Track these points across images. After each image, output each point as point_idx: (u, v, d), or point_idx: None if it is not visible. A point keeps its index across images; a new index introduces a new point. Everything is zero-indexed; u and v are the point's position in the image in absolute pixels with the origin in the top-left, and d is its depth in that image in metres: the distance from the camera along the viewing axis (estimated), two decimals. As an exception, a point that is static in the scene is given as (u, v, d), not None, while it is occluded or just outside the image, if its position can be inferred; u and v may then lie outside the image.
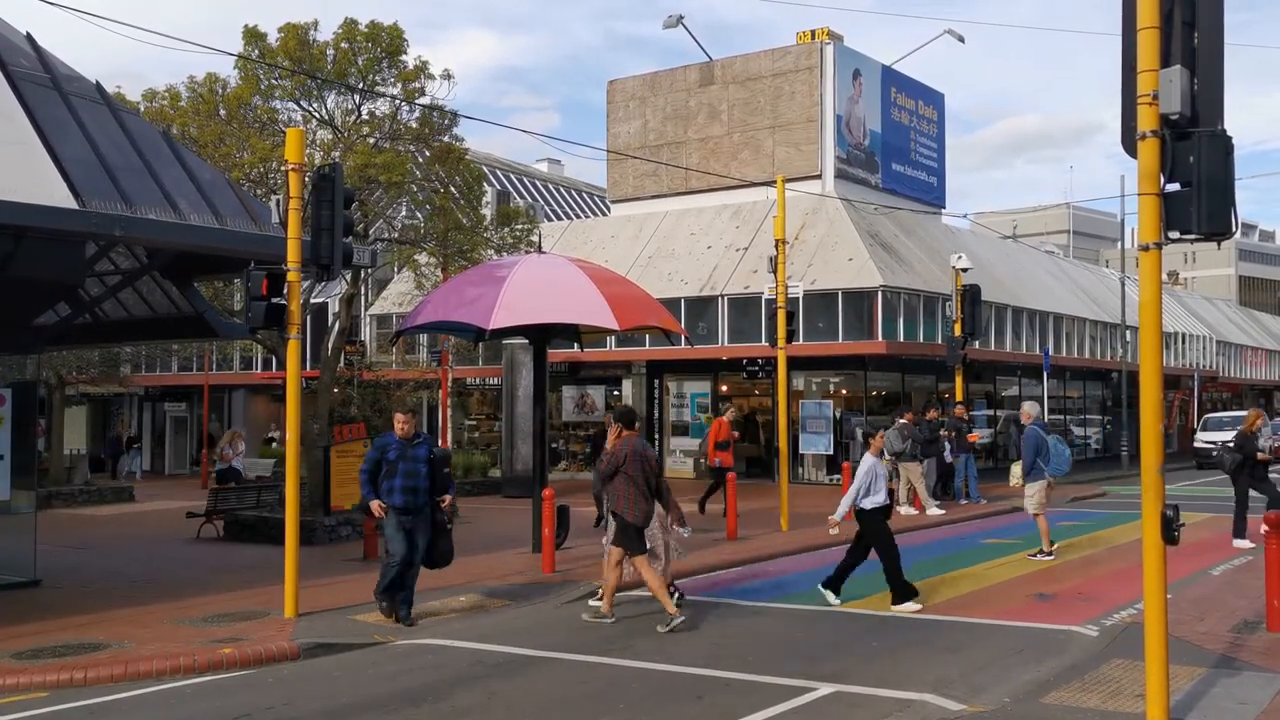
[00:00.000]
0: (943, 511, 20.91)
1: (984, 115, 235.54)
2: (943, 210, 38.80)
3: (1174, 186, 6.55)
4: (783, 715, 7.73)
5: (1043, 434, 15.47)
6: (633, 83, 37.60)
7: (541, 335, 16.33)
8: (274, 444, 35.75)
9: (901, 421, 21.78)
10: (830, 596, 11.93)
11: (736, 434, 20.22)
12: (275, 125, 20.43)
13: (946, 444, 23.15)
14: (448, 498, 11.44)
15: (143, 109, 20.61)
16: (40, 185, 10.10)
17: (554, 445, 32.55)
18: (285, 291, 11.25)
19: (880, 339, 28.56)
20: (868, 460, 11.97)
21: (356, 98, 20.58)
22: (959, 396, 25.12)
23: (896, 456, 21.40)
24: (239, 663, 9.44)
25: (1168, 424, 43.59)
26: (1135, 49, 6.62)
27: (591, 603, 11.68)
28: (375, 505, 10.95)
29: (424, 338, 31.63)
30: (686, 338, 19.27)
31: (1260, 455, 15.87)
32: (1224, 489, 28.67)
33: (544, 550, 14.18)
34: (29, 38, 11.89)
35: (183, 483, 34.76)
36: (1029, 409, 16.44)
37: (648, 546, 10.96)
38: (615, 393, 33.24)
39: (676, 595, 11.27)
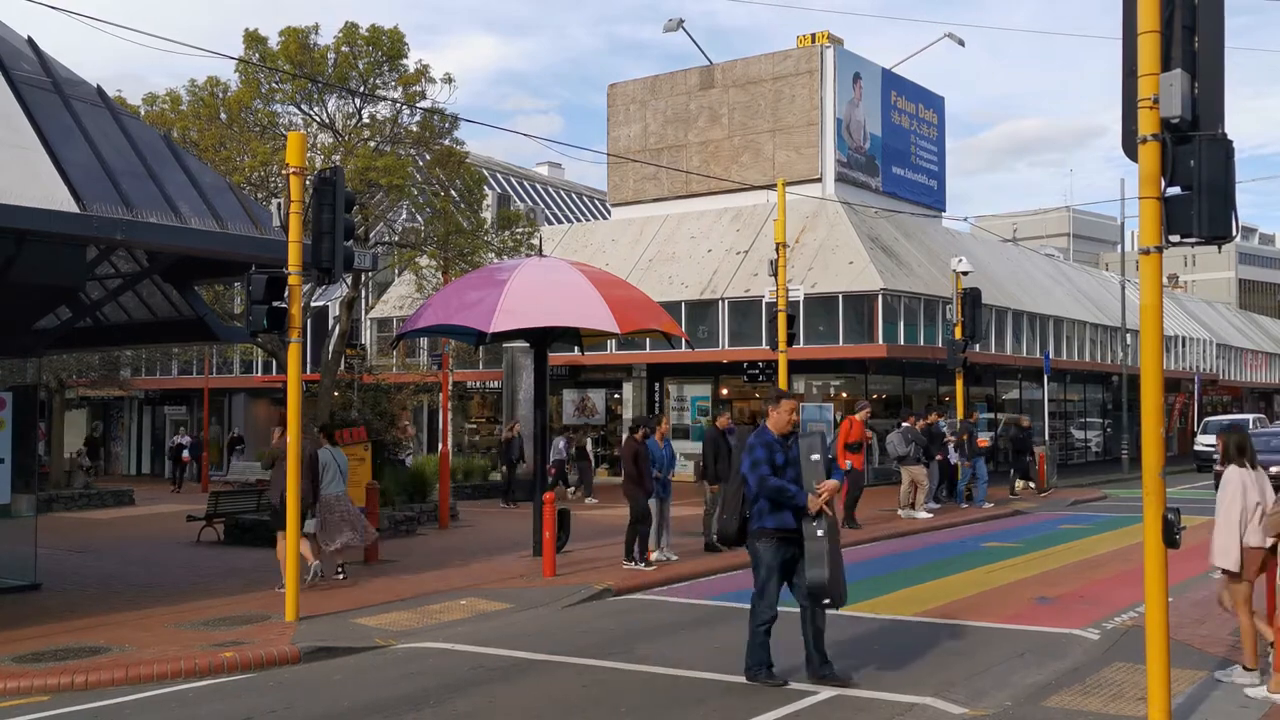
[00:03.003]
0: (929, 516, 20.84)
1: (984, 118, 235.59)
2: (943, 213, 38.84)
3: (1175, 190, 6.54)
4: (784, 719, 7.73)
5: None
6: (633, 86, 37.63)
7: (542, 338, 16.33)
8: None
9: (904, 425, 21.79)
10: None
11: (870, 434, 19.16)
12: (276, 129, 20.46)
13: (952, 448, 23.16)
14: (831, 483, 8.40)
15: (143, 112, 20.64)
16: (42, 189, 10.11)
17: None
18: (286, 295, 11.25)
19: (881, 342, 28.59)
20: None
21: (357, 101, 20.61)
22: (959, 400, 25.12)
23: (900, 460, 21.43)
24: (240, 666, 9.44)
25: (1168, 427, 43.60)
26: (1136, 53, 6.62)
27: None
28: (830, 488, 8.30)
29: (424, 341, 31.65)
30: (687, 341, 19.31)
31: None
32: (1224, 492, 28.68)
33: (545, 554, 14.17)
34: (30, 42, 11.90)
35: (183, 485, 34.74)
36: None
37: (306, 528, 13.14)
38: (616, 395, 33.25)
39: (342, 575, 13.92)
